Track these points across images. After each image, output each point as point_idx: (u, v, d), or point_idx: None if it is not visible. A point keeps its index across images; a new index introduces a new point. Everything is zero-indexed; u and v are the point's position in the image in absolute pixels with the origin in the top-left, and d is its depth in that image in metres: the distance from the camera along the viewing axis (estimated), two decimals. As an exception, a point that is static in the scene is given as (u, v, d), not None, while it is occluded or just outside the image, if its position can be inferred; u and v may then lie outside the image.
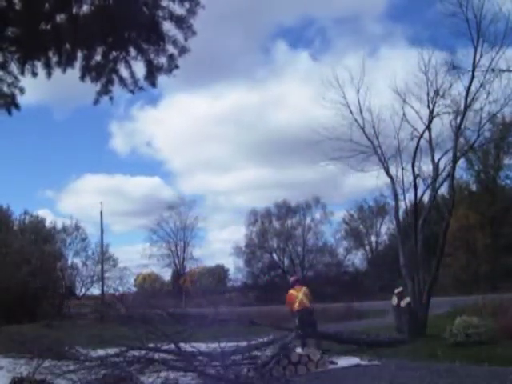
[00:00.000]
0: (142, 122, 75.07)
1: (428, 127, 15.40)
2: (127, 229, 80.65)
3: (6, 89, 5.58)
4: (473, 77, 14.49)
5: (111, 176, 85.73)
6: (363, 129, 16.06)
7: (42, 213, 65.53)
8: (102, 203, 35.16)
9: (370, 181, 23.52)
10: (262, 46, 76.09)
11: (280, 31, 74.17)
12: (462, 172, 36.16)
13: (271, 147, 65.76)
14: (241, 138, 68.73)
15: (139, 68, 5.66)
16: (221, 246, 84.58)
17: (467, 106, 14.71)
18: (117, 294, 35.76)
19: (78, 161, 73.54)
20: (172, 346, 9.79)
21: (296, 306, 11.75)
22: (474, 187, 41.77)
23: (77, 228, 38.38)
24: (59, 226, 39.37)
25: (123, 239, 78.90)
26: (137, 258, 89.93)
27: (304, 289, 12.24)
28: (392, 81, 16.28)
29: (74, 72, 5.50)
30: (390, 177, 15.68)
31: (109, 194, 65.06)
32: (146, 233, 51.65)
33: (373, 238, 51.99)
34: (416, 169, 15.40)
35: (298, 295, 11.90)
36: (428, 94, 15.30)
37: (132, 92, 5.72)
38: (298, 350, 10.77)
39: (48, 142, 71.66)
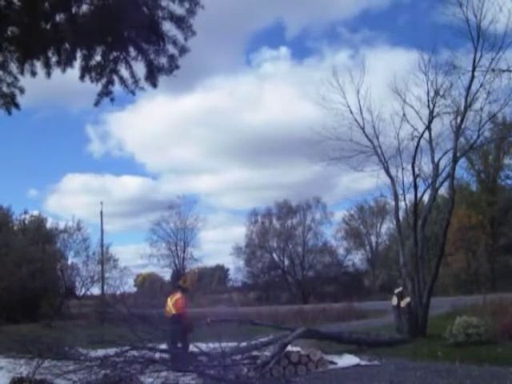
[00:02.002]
0: (134, 123, 74.37)
1: (428, 127, 15.39)
2: (117, 229, 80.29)
3: (5, 88, 5.57)
4: (473, 77, 14.50)
5: (96, 176, 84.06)
6: (363, 129, 16.07)
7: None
8: (102, 203, 34.83)
9: (369, 181, 23.48)
10: (243, 47, 76.21)
11: (262, 32, 73.80)
12: (462, 172, 36.14)
13: (261, 147, 65.68)
14: (230, 140, 68.64)
15: (140, 68, 5.66)
16: (213, 246, 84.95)
17: (467, 106, 14.72)
18: (117, 293, 35.75)
19: (61, 161, 72.87)
20: (172, 346, 9.79)
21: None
22: (474, 187, 41.75)
23: (78, 228, 38.28)
24: (60, 226, 39.21)
25: (115, 240, 78.83)
26: (130, 259, 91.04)
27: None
28: (391, 81, 16.21)
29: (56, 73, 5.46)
30: (390, 177, 15.67)
31: (96, 194, 64.72)
32: (138, 233, 51.35)
33: (373, 238, 51.83)
34: (416, 169, 15.41)
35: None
36: (428, 94, 15.32)
37: (133, 93, 5.72)
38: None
39: (29, 143, 71.39)
